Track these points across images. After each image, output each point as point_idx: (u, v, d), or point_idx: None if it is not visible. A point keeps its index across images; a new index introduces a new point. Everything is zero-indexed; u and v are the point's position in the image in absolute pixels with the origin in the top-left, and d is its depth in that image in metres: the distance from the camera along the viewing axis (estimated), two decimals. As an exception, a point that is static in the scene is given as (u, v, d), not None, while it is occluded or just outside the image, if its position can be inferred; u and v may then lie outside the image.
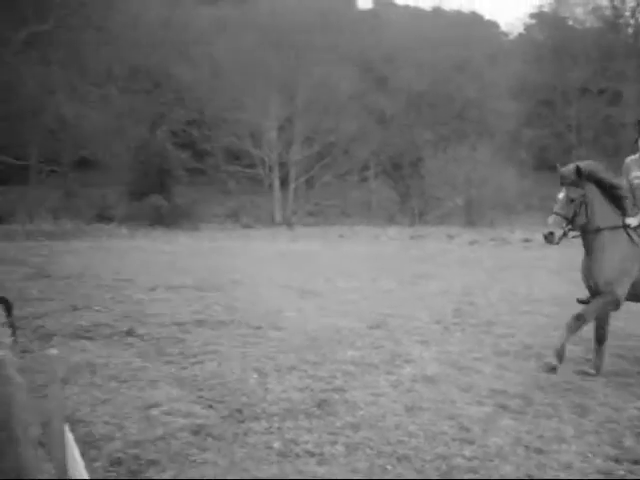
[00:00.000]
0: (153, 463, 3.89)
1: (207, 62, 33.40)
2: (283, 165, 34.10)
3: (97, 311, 8.14)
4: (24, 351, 5.88)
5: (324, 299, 9.75)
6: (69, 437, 2.61)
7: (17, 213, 26.18)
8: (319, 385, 5.44)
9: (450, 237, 25.35)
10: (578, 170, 5.82)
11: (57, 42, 29.90)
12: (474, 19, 46.01)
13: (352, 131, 33.01)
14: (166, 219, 27.79)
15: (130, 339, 6.98)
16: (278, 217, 33.01)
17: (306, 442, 4.26)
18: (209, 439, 4.27)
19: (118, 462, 3.90)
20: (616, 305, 5.91)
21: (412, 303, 9.52)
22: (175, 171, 31.47)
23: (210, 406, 4.91)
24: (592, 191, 5.91)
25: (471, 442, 4.30)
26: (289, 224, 30.50)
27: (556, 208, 5.84)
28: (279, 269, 13.60)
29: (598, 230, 5.91)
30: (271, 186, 34.25)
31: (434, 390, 5.38)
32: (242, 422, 4.60)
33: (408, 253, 18.77)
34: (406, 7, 48.62)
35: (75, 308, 8.32)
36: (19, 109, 28.42)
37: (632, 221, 6.02)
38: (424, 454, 4.10)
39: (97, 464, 3.83)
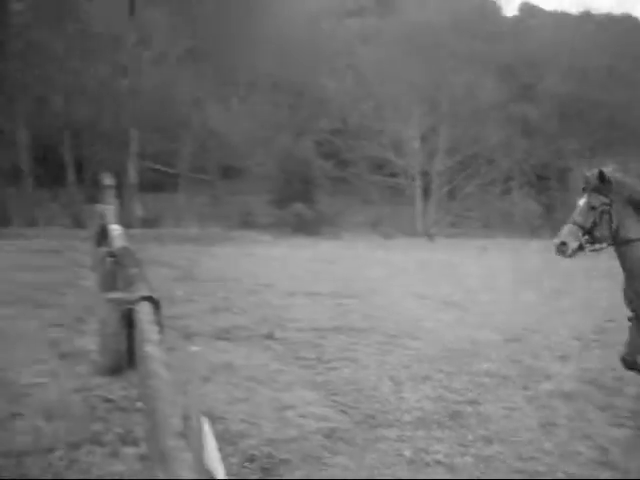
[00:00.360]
0: (285, 462, 4.01)
1: (351, 72, 33.80)
2: (425, 175, 33.88)
3: (237, 314, 8.42)
4: (170, 348, 6.17)
5: (462, 310, 9.62)
6: (207, 431, 2.73)
7: (166, 218, 27.54)
8: (452, 396, 5.40)
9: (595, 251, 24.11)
10: (602, 175, 5.15)
11: (207, 56, 31.28)
12: (626, 21, 43.78)
13: (496, 141, 32.35)
14: (308, 227, 28.30)
15: (268, 342, 7.18)
16: (419, 227, 32.82)
17: (437, 452, 4.24)
18: (341, 443, 4.35)
19: (252, 459, 4.04)
20: None
21: (552, 318, 9.22)
22: (318, 180, 32.03)
23: (343, 411, 4.99)
24: (620, 200, 5.18)
25: (609, 465, 4.13)
26: (430, 235, 30.23)
27: (573, 216, 5.18)
28: (418, 279, 13.54)
29: (629, 242, 5.17)
30: (413, 196, 34.11)
31: (571, 407, 5.20)
32: (374, 428, 4.64)
33: (550, 267, 18.14)
34: (552, 13, 47.03)
35: (217, 310, 8.64)
36: (171, 120, 29.96)
37: None
38: (558, 474, 3.99)
39: (233, 459, 3.99)
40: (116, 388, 5.34)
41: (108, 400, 5.07)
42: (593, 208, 5.14)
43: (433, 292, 11.33)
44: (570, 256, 5.13)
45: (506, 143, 33.06)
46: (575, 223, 5.11)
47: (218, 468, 2.60)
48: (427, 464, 4.07)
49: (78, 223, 27.57)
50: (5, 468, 3.88)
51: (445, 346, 7.14)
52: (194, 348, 2.61)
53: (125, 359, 5.74)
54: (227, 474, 3.71)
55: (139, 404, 4.67)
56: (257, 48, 32.16)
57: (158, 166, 29.83)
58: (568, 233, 5.09)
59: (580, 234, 5.09)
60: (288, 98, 34.64)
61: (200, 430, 2.58)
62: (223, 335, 7.36)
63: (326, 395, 5.37)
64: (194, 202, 29.89)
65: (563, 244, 5.07)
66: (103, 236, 9.97)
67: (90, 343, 6.59)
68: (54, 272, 11.37)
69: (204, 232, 24.05)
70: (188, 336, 7.13)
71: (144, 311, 4.76)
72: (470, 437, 4.52)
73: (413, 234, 31.07)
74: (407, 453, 4.23)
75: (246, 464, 4.00)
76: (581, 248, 5.12)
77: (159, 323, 4.21)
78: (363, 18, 37.26)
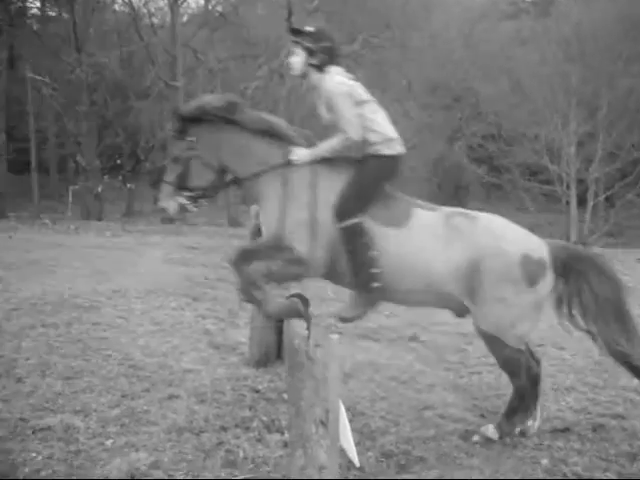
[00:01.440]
0: (421, 460, 4.12)
1: (506, 76, 33.16)
2: (581, 182, 32.65)
3: (386, 316, 8.55)
4: (316, 345, 6.42)
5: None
6: (346, 422, 2.90)
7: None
8: (597, 409, 5.28)
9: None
10: (180, 115, 4.55)
11: (362, 61, 31.72)
12: None
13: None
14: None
15: (413, 344, 7.31)
16: (574, 236, 31.67)
17: (575, 464, 4.20)
18: (477, 446, 4.40)
19: (389, 455, 4.19)
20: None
21: None
22: (471, 186, 31.71)
23: (482, 415, 5.03)
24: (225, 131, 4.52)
25: None
26: (585, 244, 29.13)
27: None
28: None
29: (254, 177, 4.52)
30: (568, 204, 32.97)
31: None
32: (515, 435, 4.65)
33: None
34: None
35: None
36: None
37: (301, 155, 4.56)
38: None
39: (370, 454, 4.16)
40: (264, 379, 5.66)
41: (255, 390, 5.39)
42: (176, 159, 4.58)
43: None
44: (176, 216, 4.74)
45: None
46: (165, 182, 4.59)
47: (352, 449, 2.77)
48: (564, 475, 4.04)
49: (234, 222, 28.85)
50: (164, 443, 4.25)
51: (593, 358, 6.95)
52: (334, 336, 2.76)
53: (273, 352, 6.06)
54: (364, 467, 3.90)
55: (285, 395, 4.95)
56: (413, 52, 32.25)
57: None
58: (164, 196, 4.58)
59: (172, 191, 4.55)
60: (442, 102, 34.48)
61: (336, 420, 2.75)
62: (369, 335, 7.55)
63: (466, 398, 5.42)
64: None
65: (163, 209, 4.62)
66: (258, 235, 10.41)
67: (241, 335, 6.98)
68: (210, 268, 12.02)
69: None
70: (334, 334, 7.36)
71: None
72: (612, 452, 4.42)
73: (567, 242, 29.99)
74: (544, 462, 4.21)
75: (382, 459, 4.15)
76: (187, 207, 4.59)
77: (307, 319, 4.43)
78: (519, 21, 36.39)
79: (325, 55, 4.60)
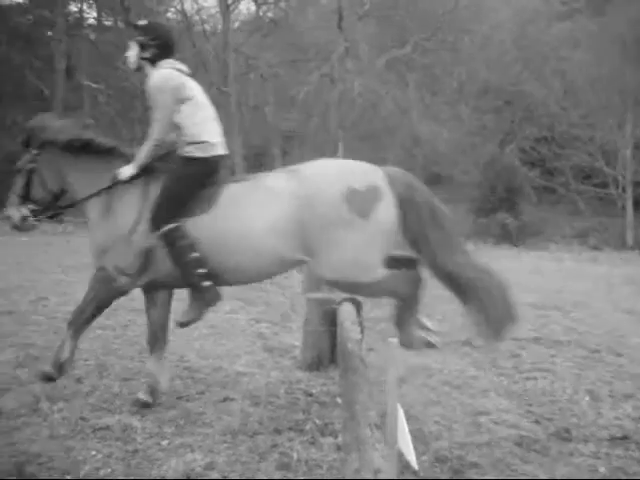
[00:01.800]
0: (475, 466, 4.09)
1: (559, 78, 32.65)
2: (638, 185, 31.91)
3: (438, 320, 8.49)
4: (369, 349, 6.44)
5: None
6: (404, 425, 2.90)
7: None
8: (656, 417, 5.18)
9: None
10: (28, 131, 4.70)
11: (413, 65, 31.67)
12: None
13: None
14: (512, 237, 27.76)
15: (467, 349, 7.25)
16: (629, 240, 30.98)
17: (635, 473, 4.13)
18: (532, 453, 4.35)
19: (443, 460, 4.17)
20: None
21: None
22: (523, 189, 31.27)
23: (537, 421, 4.97)
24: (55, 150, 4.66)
25: None
26: (644, 249, 28.50)
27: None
28: (626, 293, 12.88)
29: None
30: (624, 208, 32.26)
31: None
32: (569, 442, 4.58)
33: None
34: None
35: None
36: (378, 128, 30.68)
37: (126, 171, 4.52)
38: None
39: (424, 457, 4.15)
40: (317, 383, 5.69)
41: (309, 393, 5.42)
42: (19, 170, 4.71)
43: (642, 307, 10.76)
44: (21, 229, 4.72)
45: None
46: (12, 192, 4.69)
47: (410, 452, 2.76)
48: (624, 483, 3.99)
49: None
50: (219, 444, 4.31)
51: (651, 365, 6.82)
52: (393, 340, 2.75)
53: (327, 356, 6.09)
54: (418, 472, 3.89)
55: (338, 399, 4.97)
56: (463, 55, 32.04)
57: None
58: (9, 205, 4.68)
59: (18, 202, 4.67)
60: (494, 105, 34.12)
61: (394, 421, 2.76)
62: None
63: (520, 404, 5.36)
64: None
65: (8, 218, 4.68)
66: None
67: (294, 339, 7.03)
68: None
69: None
70: (388, 338, 7.34)
71: (346, 311, 5.04)
72: (674, 461, 4.34)
73: (622, 247, 29.40)
74: (602, 470, 4.14)
75: (436, 464, 4.14)
76: (26, 218, 4.68)
77: (360, 324, 4.44)
78: (573, 21, 35.76)
79: (157, 49, 4.61)
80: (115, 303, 4.88)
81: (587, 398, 5.59)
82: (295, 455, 4.17)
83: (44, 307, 8.59)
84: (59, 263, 12.96)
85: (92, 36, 34.64)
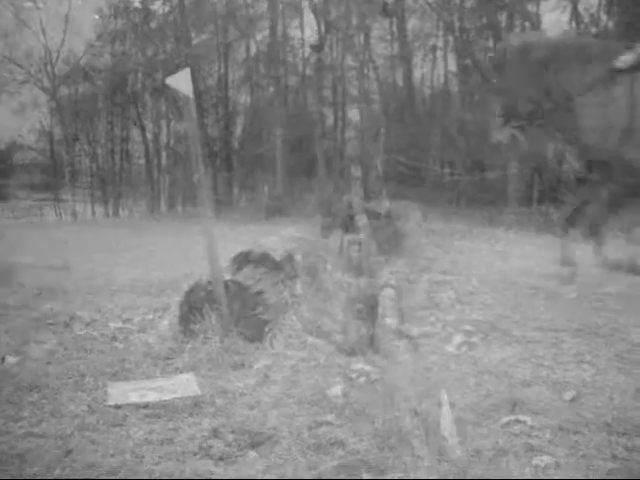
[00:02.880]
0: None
1: None
2: None
3: (480, 309, 8.41)
4: (409, 337, 6.42)
5: None
6: (448, 411, 2.91)
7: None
8: None
9: None
10: None
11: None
12: None
13: None
14: (555, 226, 27.32)
15: (506, 338, 7.18)
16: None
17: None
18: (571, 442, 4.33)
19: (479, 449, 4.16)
20: None
21: None
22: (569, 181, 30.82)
23: (578, 413, 4.93)
24: None
25: None
26: None
27: None
28: None
29: None
30: None
31: None
32: (610, 435, 4.54)
33: None
34: None
35: (460, 303, 8.64)
36: (420, 116, 30.58)
37: None
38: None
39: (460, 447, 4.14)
40: (356, 367, 5.69)
41: (348, 378, 5.42)
42: None
43: None
44: None
45: None
46: None
47: (452, 438, 2.78)
48: None
49: (328, 212, 29.10)
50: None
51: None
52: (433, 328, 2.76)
53: (366, 341, 6.11)
54: (454, 461, 3.88)
55: (377, 386, 4.97)
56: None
57: (404, 160, 30.42)
58: None
59: None
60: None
61: (439, 404, 2.77)
62: (461, 328, 7.45)
63: (561, 395, 5.34)
64: (440, 198, 30.03)
65: None
66: (350, 224, 10.52)
67: (333, 324, 7.04)
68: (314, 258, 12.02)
69: (448, 227, 23.82)
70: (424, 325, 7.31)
71: (387, 297, 5.05)
72: None
73: None
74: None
75: (473, 454, 4.12)
76: None
77: (400, 310, 4.45)
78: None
79: None
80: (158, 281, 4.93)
81: (632, 390, 5.52)
82: (333, 439, 4.18)
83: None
84: None
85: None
